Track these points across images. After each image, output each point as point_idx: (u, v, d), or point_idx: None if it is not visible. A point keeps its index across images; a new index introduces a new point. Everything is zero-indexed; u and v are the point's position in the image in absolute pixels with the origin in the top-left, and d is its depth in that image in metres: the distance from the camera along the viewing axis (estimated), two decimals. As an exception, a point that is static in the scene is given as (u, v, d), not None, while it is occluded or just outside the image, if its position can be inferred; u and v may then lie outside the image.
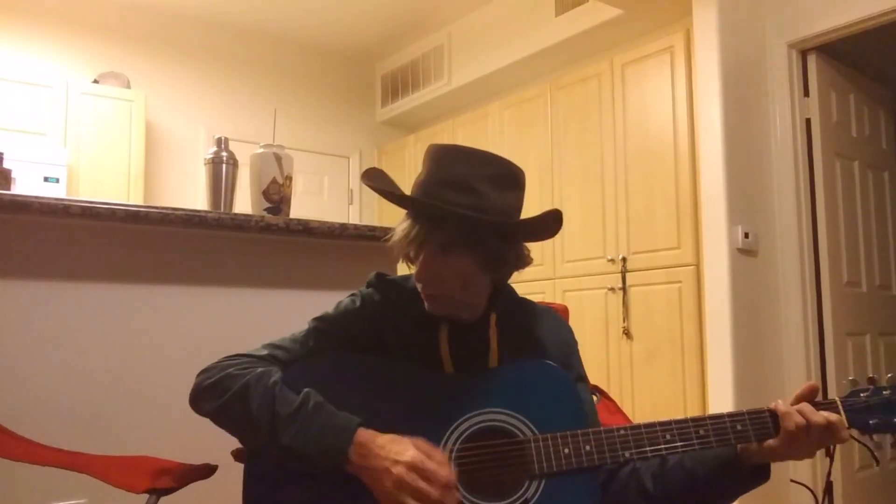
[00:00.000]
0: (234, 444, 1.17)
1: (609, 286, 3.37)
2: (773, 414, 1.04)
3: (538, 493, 1.04)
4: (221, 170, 1.99)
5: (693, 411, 2.96)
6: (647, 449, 1.05)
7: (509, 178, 1.10)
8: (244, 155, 2.06)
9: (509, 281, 1.21)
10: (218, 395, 1.05)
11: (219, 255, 1.90)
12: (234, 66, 4.93)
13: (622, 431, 1.06)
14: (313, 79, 5.26)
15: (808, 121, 3.09)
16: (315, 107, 5.25)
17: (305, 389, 1.03)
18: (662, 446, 1.05)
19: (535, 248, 1.16)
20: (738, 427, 1.05)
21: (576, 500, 1.05)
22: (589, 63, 3.86)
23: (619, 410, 1.69)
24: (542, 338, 1.22)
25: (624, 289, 3.30)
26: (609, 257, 3.39)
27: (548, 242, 3.62)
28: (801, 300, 3.01)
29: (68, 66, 4.31)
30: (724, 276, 2.83)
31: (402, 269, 1.34)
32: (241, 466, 1.12)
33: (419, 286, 1.13)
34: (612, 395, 2.96)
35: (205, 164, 2.01)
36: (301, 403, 1.01)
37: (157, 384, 1.77)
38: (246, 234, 1.89)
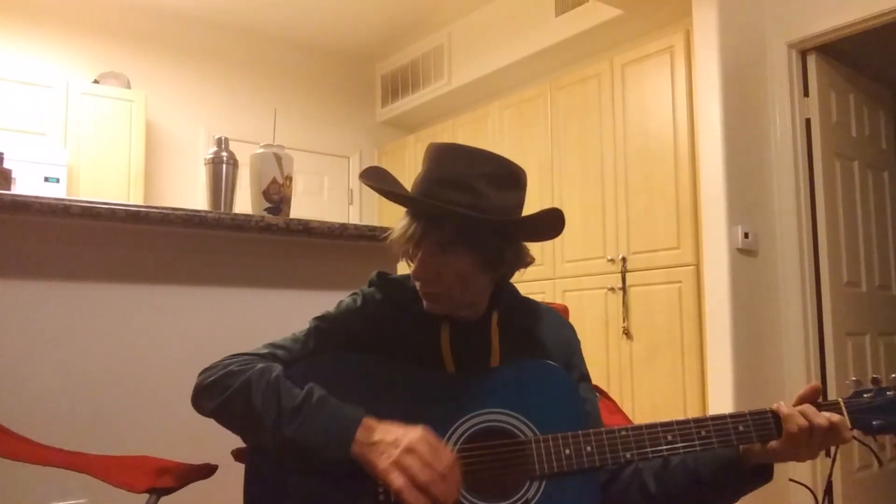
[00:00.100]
0: (235, 443, 1.17)
1: (609, 286, 3.37)
2: (776, 415, 1.04)
3: (539, 494, 1.04)
4: (221, 170, 1.99)
5: (693, 411, 2.96)
6: (649, 450, 1.05)
7: (509, 178, 1.10)
8: (244, 155, 2.06)
9: (511, 280, 1.21)
10: (219, 392, 1.05)
11: (219, 255, 1.90)
12: (234, 66, 4.93)
13: (623, 432, 1.06)
14: (313, 79, 5.26)
15: (807, 121, 3.09)
16: (315, 107, 5.25)
17: (309, 384, 1.04)
18: (664, 447, 1.05)
19: (535, 249, 1.16)
20: (741, 428, 1.05)
21: (576, 500, 1.05)
22: (589, 63, 3.86)
23: (619, 410, 1.69)
24: (543, 337, 1.21)
25: (624, 289, 3.30)
26: (609, 257, 3.39)
27: (547, 242, 3.62)
28: (800, 300, 3.01)
29: (68, 66, 4.31)
30: (724, 276, 2.83)
31: (403, 268, 1.34)
32: (241, 466, 1.12)
33: (417, 285, 1.12)
34: (612, 395, 2.96)
35: (205, 164, 2.01)
36: (305, 397, 1.02)
37: (157, 384, 1.77)
38: (246, 234, 1.89)
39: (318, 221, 1.96)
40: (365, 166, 1.38)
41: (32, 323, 1.64)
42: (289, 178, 2.01)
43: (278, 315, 1.95)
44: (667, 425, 1.06)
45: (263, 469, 1.08)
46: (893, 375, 1.08)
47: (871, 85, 3.52)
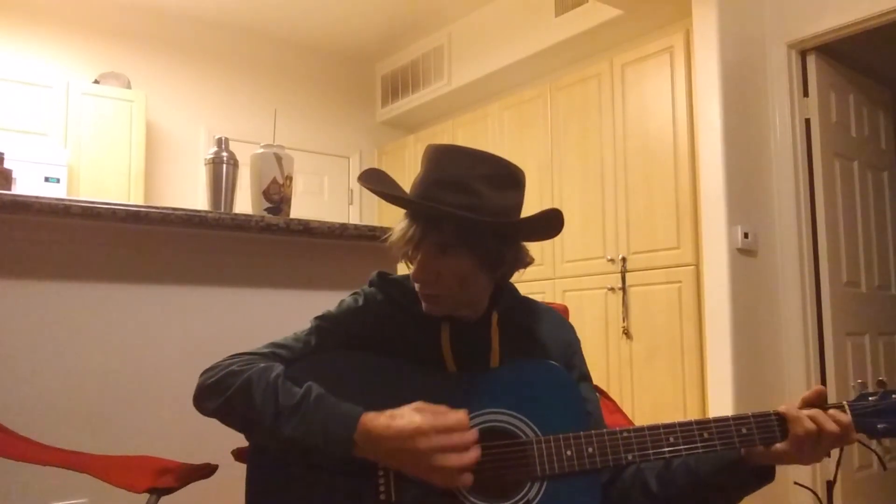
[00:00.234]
0: (235, 443, 1.17)
1: (609, 286, 3.37)
2: (780, 417, 1.03)
3: (540, 495, 1.04)
4: (222, 170, 1.99)
5: (693, 411, 2.96)
6: (650, 451, 1.05)
7: (507, 178, 1.10)
8: (244, 155, 2.06)
9: (511, 280, 1.21)
10: (221, 391, 1.05)
11: (219, 255, 1.90)
12: (234, 66, 4.93)
13: (625, 433, 1.05)
14: (313, 79, 5.26)
15: (807, 121, 3.09)
16: (315, 107, 5.25)
17: (308, 383, 1.04)
18: (665, 449, 1.05)
19: (535, 249, 1.16)
20: (743, 430, 1.04)
21: (577, 501, 1.05)
22: (589, 63, 3.86)
23: (618, 410, 1.69)
24: (543, 337, 1.21)
25: (624, 289, 3.30)
26: (609, 257, 3.39)
27: (547, 242, 3.62)
28: (800, 300, 3.01)
29: (69, 67, 4.31)
30: (724, 276, 2.83)
31: (403, 268, 1.35)
32: (241, 466, 1.12)
33: (416, 286, 1.12)
34: (612, 395, 2.96)
35: (205, 165, 2.01)
36: (303, 395, 1.02)
37: (157, 384, 1.77)
38: (246, 234, 1.89)
39: (318, 221, 1.96)
40: (365, 166, 1.38)
41: (32, 323, 1.64)
42: (289, 179, 2.01)
43: (278, 315, 1.95)
44: (669, 427, 1.05)
45: (264, 469, 1.08)
46: None
47: (871, 85, 3.52)
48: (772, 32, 3.10)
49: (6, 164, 1.80)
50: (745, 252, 2.90)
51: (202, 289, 1.87)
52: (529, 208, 1.12)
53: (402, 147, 5.09)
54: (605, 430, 1.07)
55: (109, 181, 4.02)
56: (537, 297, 1.34)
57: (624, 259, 3.32)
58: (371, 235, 2.02)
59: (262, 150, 2.00)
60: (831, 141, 3.15)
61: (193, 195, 4.57)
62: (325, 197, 5.26)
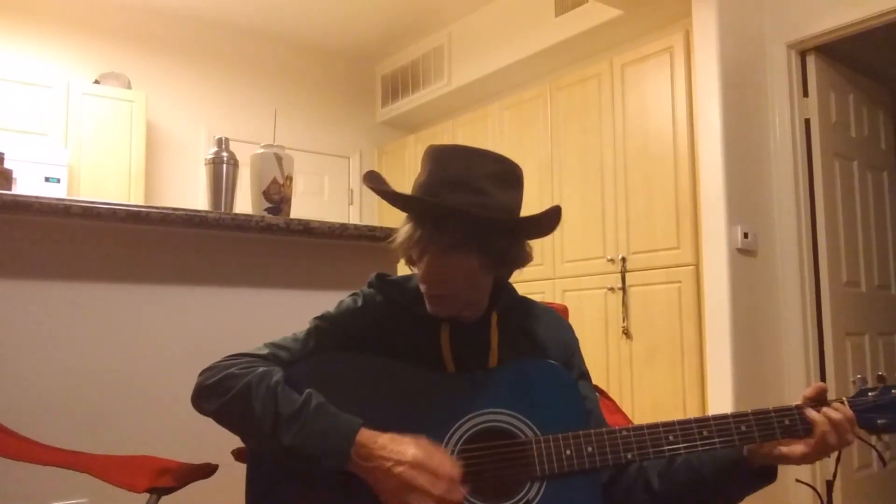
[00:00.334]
0: (235, 443, 1.17)
1: (609, 286, 3.37)
2: (781, 415, 1.04)
3: (540, 495, 1.04)
4: (222, 170, 1.99)
5: (693, 411, 2.96)
6: (650, 450, 1.05)
7: (510, 176, 1.10)
8: (244, 155, 2.07)
9: (509, 280, 1.21)
10: (220, 394, 1.05)
11: (219, 255, 1.90)
12: (234, 66, 4.93)
13: (625, 432, 1.06)
14: (313, 79, 5.27)
15: (807, 121, 3.09)
16: (315, 107, 5.25)
17: (307, 390, 1.03)
18: (665, 448, 1.05)
19: (534, 248, 1.16)
20: (743, 428, 1.04)
21: (577, 501, 1.06)
22: (589, 63, 3.86)
23: (618, 410, 1.69)
24: (542, 337, 1.22)
25: (624, 289, 3.30)
26: (609, 257, 3.39)
27: (547, 242, 3.62)
28: (800, 300, 3.01)
29: (69, 67, 4.31)
30: (724, 276, 2.83)
31: (403, 268, 1.35)
32: (241, 466, 1.12)
33: (423, 287, 1.11)
34: (612, 394, 2.96)
35: (205, 165, 2.01)
36: (303, 404, 1.01)
37: (157, 384, 1.77)
38: (246, 234, 1.89)
39: (319, 221, 1.96)
40: (365, 166, 1.38)
41: (32, 323, 1.64)
42: (289, 179, 2.01)
43: (278, 315, 1.95)
44: (668, 425, 1.06)
45: (265, 469, 1.08)
46: None
47: (871, 85, 3.52)
48: (771, 32, 3.10)
49: (6, 164, 1.80)
50: (745, 252, 2.90)
51: (202, 289, 1.87)
52: (529, 208, 1.12)
53: (403, 147, 5.09)
54: (604, 430, 1.07)
55: (110, 181, 4.02)
56: (537, 297, 1.34)
57: (624, 259, 3.32)
58: (371, 236, 2.02)
59: (262, 150, 2.01)
60: (831, 141, 3.15)
61: (193, 195, 4.57)
62: (325, 197, 5.26)
